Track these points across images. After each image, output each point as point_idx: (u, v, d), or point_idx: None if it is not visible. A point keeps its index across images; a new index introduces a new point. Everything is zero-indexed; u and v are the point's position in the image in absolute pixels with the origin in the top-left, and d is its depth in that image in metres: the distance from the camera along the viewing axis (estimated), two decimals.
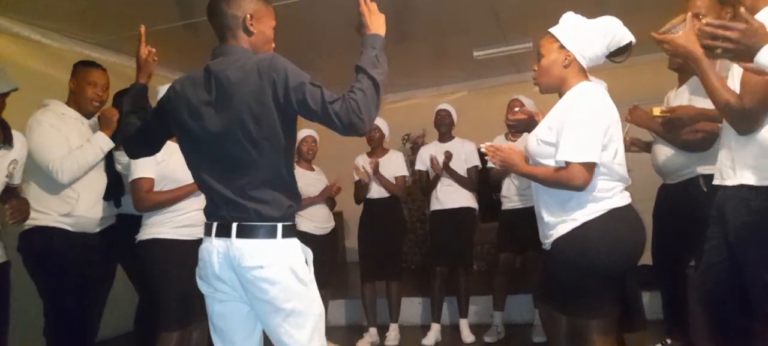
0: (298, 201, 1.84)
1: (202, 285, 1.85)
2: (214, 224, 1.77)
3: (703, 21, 1.62)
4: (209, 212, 1.82)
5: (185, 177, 2.53)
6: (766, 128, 1.83)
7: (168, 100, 1.85)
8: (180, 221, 2.57)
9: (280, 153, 1.74)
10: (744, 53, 1.54)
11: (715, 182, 2.04)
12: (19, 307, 2.62)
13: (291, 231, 1.77)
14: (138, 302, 3.27)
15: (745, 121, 1.86)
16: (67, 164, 2.69)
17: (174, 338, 2.52)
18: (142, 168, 2.52)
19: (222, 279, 1.76)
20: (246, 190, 1.72)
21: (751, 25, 1.51)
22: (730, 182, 1.94)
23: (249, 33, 1.82)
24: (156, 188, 2.57)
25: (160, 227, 2.57)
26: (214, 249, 1.75)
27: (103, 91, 2.97)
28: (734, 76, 1.93)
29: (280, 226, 1.73)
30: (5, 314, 2.53)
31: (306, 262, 1.79)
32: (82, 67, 2.97)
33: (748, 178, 1.87)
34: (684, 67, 2.96)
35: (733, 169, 1.93)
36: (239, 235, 1.71)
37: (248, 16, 1.80)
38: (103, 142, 2.82)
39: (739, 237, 1.89)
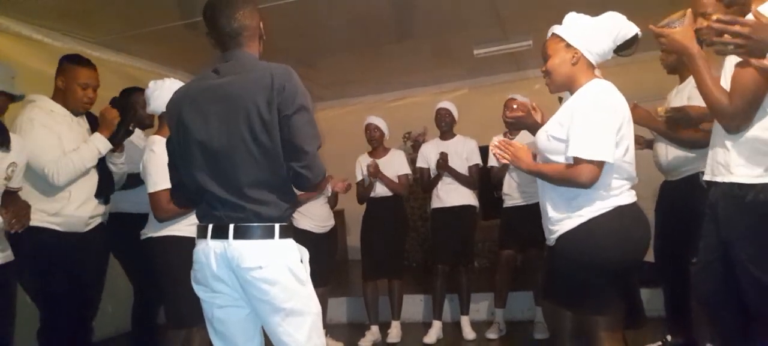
0: (295, 202, 1.86)
1: (199, 289, 1.86)
2: (210, 226, 1.78)
3: (714, 17, 1.60)
4: (202, 214, 1.83)
5: None
6: (757, 126, 1.84)
7: (169, 104, 1.89)
8: (190, 219, 2.51)
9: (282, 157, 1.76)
10: (755, 50, 1.52)
11: (706, 178, 2.04)
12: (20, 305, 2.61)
13: (288, 231, 1.80)
14: (134, 301, 3.26)
15: (734, 120, 1.86)
16: (63, 167, 2.64)
17: (181, 336, 2.52)
18: (161, 179, 2.43)
19: (221, 279, 1.78)
20: (246, 191, 1.74)
21: (762, 21, 1.50)
22: (722, 179, 1.94)
23: (261, 40, 1.90)
24: None
25: (174, 223, 2.54)
26: (210, 251, 1.77)
27: (94, 92, 2.87)
28: (726, 75, 1.94)
29: (277, 226, 1.76)
30: (12, 313, 2.50)
31: (301, 260, 1.81)
32: (71, 65, 2.84)
33: (740, 175, 1.87)
34: (679, 67, 2.97)
35: (725, 167, 1.93)
36: (237, 236, 1.73)
37: (261, 24, 1.88)
38: (101, 145, 2.77)
39: (732, 234, 1.89)
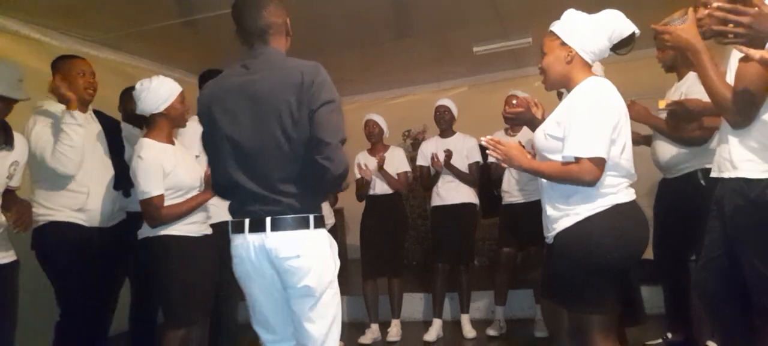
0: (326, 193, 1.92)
1: (241, 282, 1.95)
2: (246, 221, 1.85)
3: (715, 4, 1.59)
4: (235, 209, 1.91)
5: (192, 182, 2.53)
6: (762, 122, 1.83)
7: (200, 99, 1.95)
8: (189, 219, 2.54)
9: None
10: (755, 39, 1.51)
11: (713, 175, 2.04)
12: (22, 305, 2.61)
13: (321, 222, 1.88)
14: (131, 300, 3.27)
15: (738, 115, 1.86)
16: (58, 155, 2.65)
17: (179, 335, 2.51)
18: (152, 185, 2.41)
19: (261, 272, 1.87)
20: (279, 186, 1.82)
21: (763, 10, 1.49)
22: (728, 174, 1.94)
23: (288, 36, 1.97)
24: (166, 196, 2.47)
25: (171, 223, 2.53)
26: (249, 244, 1.85)
27: (93, 77, 2.95)
28: (731, 71, 1.93)
29: (312, 217, 1.84)
30: (13, 313, 2.52)
31: (330, 247, 1.90)
32: (64, 60, 2.93)
33: (746, 171, 1.87)
34: (678, 65, 2.96)
35: (731, 163, 1.92)
36: (274, 228, 1.82)
37: (288, 20, 1.95)
38: (68, 118, 2.69)
39: (737, 230, 1.89)
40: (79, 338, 2.77)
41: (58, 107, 2.84)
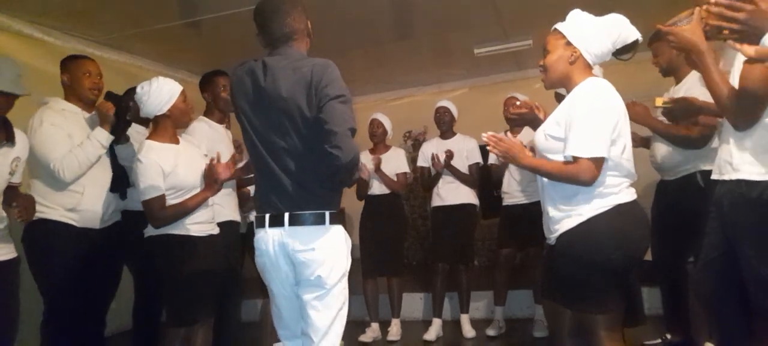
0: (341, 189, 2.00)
1: (263, 274, 2.02)
2: (267, 216, 1.93)
3: (712, 0, 1.61)
4: (260, 205, 1.98)
5: (194, 181, 2.53)
6: (764, 124, 1.85)
7: (233, 89, 2.04)
8: (192, 218, 2.53)
9: None
10: (750, 35, 1.53)
11: (714, 176, 2.05)
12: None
13: (338, 218, 1.94)
14: (135, 298, 3.28)
15: (741, 116, 1.87)
16: (68, 162, 2.70)
17: (180, 334, 2.53)
18: (152, 186, 2.41)
19: (278, 266, 1.93)
20: (296, 181, 1.88)
21: (759, 6, 1.50)
22: (728, 176, 1.95)
23: (309, 37, 2.04)
24: (168, 196, 2.47)
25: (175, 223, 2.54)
26: (269, 238, 1.92)
27: (99, 79, 2.99)
28: (734, 74, 1.94)
29: (327, 213, 1.90)
30: (15, 310, 2.54)
31: (345, 243, 1.96)
32: (73, 60, 2.98)
33: (746, 173, 1.88)
34: (677, 67, 2.97)
35: (732, 165, 1.93)
36: (291, 223, 1.88)
37: (309, 23, 2.03)
38: (102, 138, 2.81)
39: (737, 231, 1.91)
40: (63, 338, 2.76)
41: (64, 105, 2.87)
